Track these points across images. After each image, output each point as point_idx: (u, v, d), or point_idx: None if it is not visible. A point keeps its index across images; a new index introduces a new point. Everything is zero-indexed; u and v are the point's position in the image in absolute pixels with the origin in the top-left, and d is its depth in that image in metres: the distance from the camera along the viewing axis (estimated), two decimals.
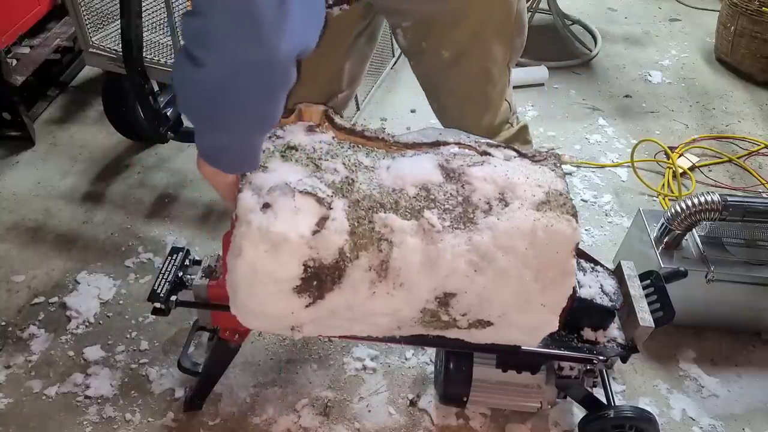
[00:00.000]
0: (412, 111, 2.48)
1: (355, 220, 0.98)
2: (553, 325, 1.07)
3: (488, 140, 1.15)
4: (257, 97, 0.86)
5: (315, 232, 0.95)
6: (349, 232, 0.97)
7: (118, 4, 1.59)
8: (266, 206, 0.95)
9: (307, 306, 1.00)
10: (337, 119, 1.11)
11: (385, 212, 0.99)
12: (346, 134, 1.11)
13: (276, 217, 0.93)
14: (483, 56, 1.25)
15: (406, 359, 1.57)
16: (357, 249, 0.97)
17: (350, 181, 1.01)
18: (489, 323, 1.07)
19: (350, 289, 0.99)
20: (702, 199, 1.52)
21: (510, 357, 1.28)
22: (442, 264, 0.99)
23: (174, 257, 1.26)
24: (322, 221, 0.96)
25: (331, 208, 0.96)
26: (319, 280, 0.98)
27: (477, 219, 1.01)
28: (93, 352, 1.53)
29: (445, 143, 1.12)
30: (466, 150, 1.11)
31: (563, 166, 1.23)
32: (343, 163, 1.04)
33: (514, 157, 1.11)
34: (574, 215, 1.01)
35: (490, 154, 1.11)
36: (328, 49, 1.22)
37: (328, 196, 0.97)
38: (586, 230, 1.99)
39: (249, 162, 0.99)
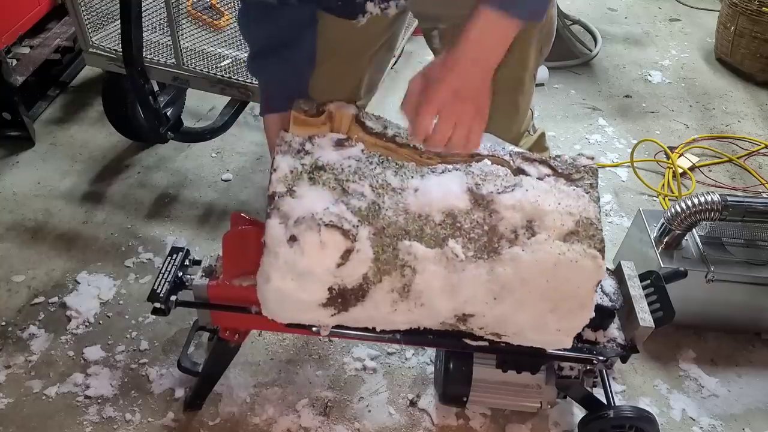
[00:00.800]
0: None
1: (379, 247, 1.00)
2: (567, 345, 1.10)
3: (523, 152, 1.12)
4: None
5: (340, 265, 0.98)
6: (373, 259, 0.99)
7: (118, 4, 1.59)
8: (293, 239, 0.97)
9: (332, 315, 1.05)
10: (369, 123, 1.10)
11: (409, 240, 1.00)
12: (377, 139, 1.10)
13: (302, 253, 0.97)
14: (518, 63, 1.21)
15: (406, 359, 1.57)
16: (380, 273, 1.00)
17: (377, 207, 1.02)
18: (504, 336, 1.10)
19: (372, 305, 1.03)
20: (702, 199, 1.52)
21: (510, 357, 1.28)
22: (462, 291, 1.01)
23: (174, 257, 1.26)
24: (347, 254, 0.98)
25: (356, 240, 0.98)
26: (343, 298, 1.02)
27: (501, 249, 1.01)
28: (93, 352, 1.53)
29: (479, 156, 1.09)
30: (499, 168, 1.08)
31: None
32: (371, 185, 1.04)
33: (548, 175, 1.08)
34: (601, 250, 1.00)
35: (524, 171, 1.08)
36: (351, 59, 1.22)
37: (353, 227, 0.98)
38: None
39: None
